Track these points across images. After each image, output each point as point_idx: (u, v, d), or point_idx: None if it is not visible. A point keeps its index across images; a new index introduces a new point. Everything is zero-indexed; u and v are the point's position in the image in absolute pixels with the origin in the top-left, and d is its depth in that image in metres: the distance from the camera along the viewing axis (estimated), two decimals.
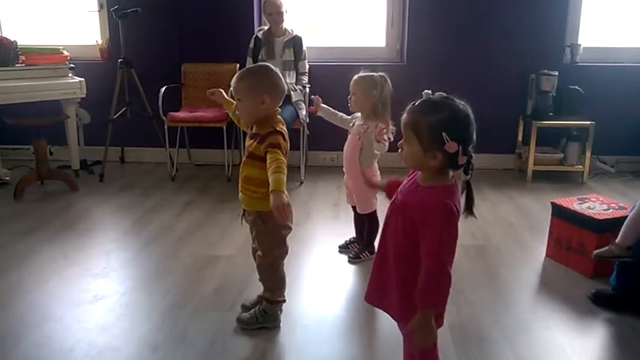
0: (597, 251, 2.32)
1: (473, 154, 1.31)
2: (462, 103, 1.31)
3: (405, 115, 1.34)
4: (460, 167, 1.30)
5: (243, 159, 2.00)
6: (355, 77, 2.54)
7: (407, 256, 1.38)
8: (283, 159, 1.82)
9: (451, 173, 1.34)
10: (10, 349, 1.99)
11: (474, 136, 1.30)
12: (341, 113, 2.74)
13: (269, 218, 1.95)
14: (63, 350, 1.98)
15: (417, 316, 1.32)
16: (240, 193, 2.01)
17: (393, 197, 1.47)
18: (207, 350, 1.98)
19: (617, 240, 2.24)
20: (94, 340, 2.05)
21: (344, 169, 2.72)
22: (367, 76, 2.52)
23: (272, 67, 1.97)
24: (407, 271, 1.39)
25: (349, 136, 2.66)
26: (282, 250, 2.07)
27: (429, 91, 1.37)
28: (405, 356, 1.58)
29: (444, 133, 1.25)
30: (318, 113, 2.75)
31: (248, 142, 1.97)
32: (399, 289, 1.44)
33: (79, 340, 2.04)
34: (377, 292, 1.54)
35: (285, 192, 1.77)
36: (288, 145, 1.95)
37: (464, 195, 1.39)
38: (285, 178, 1.77)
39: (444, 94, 1.33)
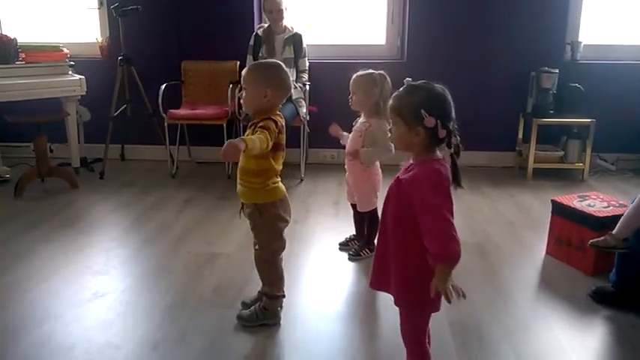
0: (593, 240, 2.33)
1: (456, 132, 1.45)
2: (440, 86, 1.46)
3: (390, 102, 1.52)
4: (442, 141, 1.45)
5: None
6: (354, 77, 2.53)
7: (405, 237, 1.47)
8: (268, 137, 1.84)
9: (438, 151, 1.48)
10: (10, 348, 1.99)
11: (452, 113, 1.45)
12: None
13: (266, 210, 1.99)
14: (63, 348, 1.98)
15: (436, 276, 1.39)
16: (238, 186, 2.02)
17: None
18: (207, 348, 1.98)
19: (613, 231, 2.25)
20: (94, 337, 2.05)
21: (345, 167, 2.72)
22: (367, 74, 2.52)
23: (283, 65, 2.02)
24: (406, 256, 1.48)
25: (351, 134, 2.66)
26: (280, 244, 2.08)
27: (410, 79, 1.52)
28: (402, 330, 1.60)
29: (422, 110, 1.41)
30: (342, 141, 2.71)
31: (247, 133, 1.98)
32: (397, 273, 1.51)
33: (79, 338, 2.04)
34: (380, 277, 1.59)
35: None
36: (284, 137, 1.97)
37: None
38: (258, 146, 1.78)
39: (424, 80, 1.49)
